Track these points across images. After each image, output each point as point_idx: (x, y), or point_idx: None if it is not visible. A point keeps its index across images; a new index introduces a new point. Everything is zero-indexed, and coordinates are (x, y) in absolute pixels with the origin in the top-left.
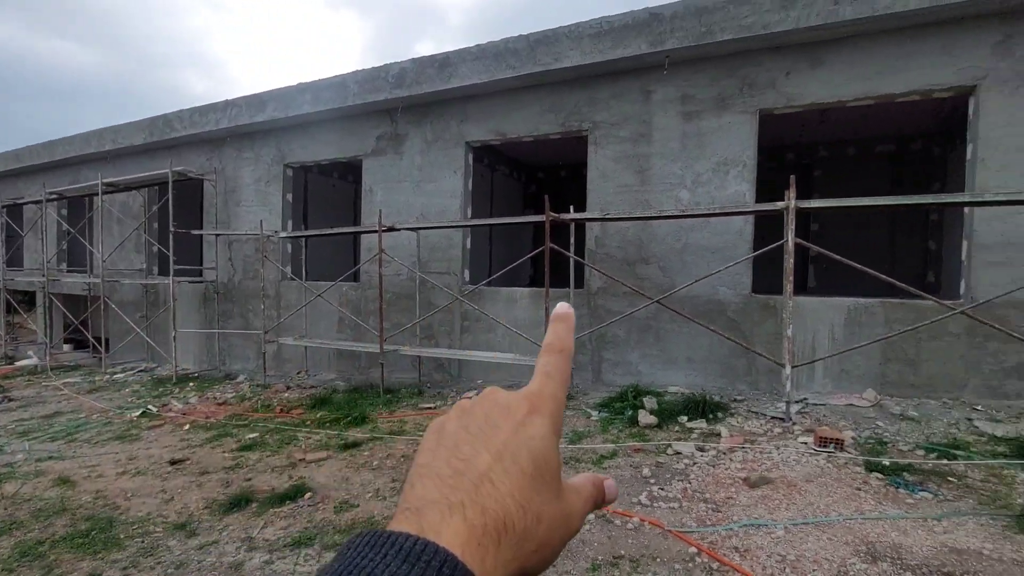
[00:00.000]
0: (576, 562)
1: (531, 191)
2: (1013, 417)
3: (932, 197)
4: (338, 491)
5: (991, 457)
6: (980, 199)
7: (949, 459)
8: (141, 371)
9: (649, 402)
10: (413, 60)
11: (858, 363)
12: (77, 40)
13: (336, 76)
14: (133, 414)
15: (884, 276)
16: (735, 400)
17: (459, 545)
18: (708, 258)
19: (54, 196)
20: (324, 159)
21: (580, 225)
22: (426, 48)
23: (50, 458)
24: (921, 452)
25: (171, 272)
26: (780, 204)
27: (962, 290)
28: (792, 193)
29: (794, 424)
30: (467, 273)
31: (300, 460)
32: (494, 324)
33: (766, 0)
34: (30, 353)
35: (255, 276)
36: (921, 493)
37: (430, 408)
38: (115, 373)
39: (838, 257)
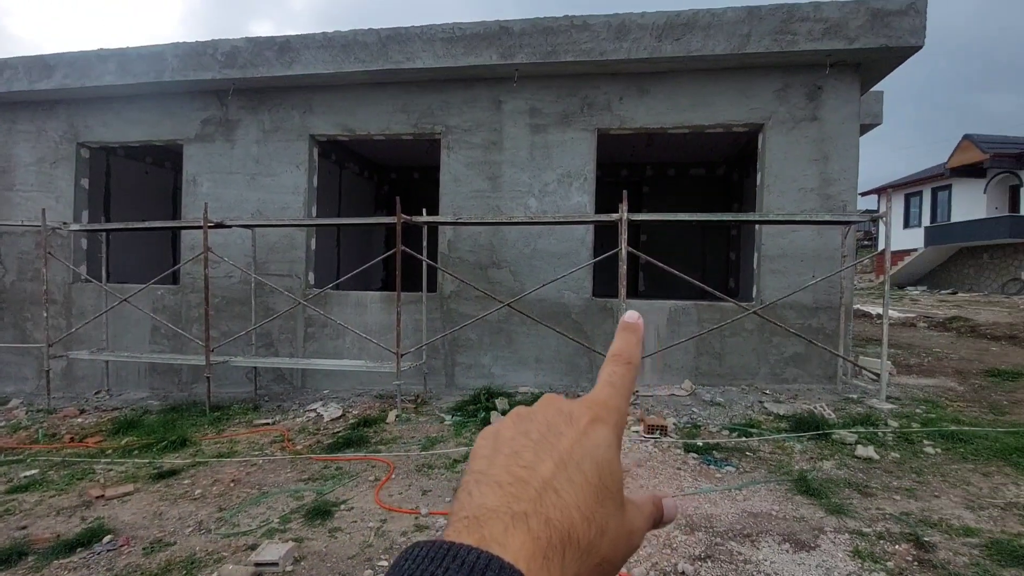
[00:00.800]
0: None
1: (383, 192)
2: (791, 398)
3: (732, 215)
4: (148, 529)
5: (776, 432)
6: (766, 218)
7: (747, 436)
8: None
9: (501, 403)
10: (248, 39)
11: (678, 357)
12: None
13: (151, 46)
14: None
15: (697, 282)
16: (579, 395)
17: (524, 559)
18: (554, 263)
19: None
20: (133, 140)
21: (433, 229)
22: (264, 30)
23: None
24: (726, 432)
25: None
26: (615, 215)
27: (754, 294)
28: (624, 206)
29: (628, 415)
30: (311, 276)
31: (98, 497)
32: (342, 330)
33: (603, 29)
34: None
35: (35, 277)
36: (726, 468)
37: (267, 424)
38: None
39: (661, 264)
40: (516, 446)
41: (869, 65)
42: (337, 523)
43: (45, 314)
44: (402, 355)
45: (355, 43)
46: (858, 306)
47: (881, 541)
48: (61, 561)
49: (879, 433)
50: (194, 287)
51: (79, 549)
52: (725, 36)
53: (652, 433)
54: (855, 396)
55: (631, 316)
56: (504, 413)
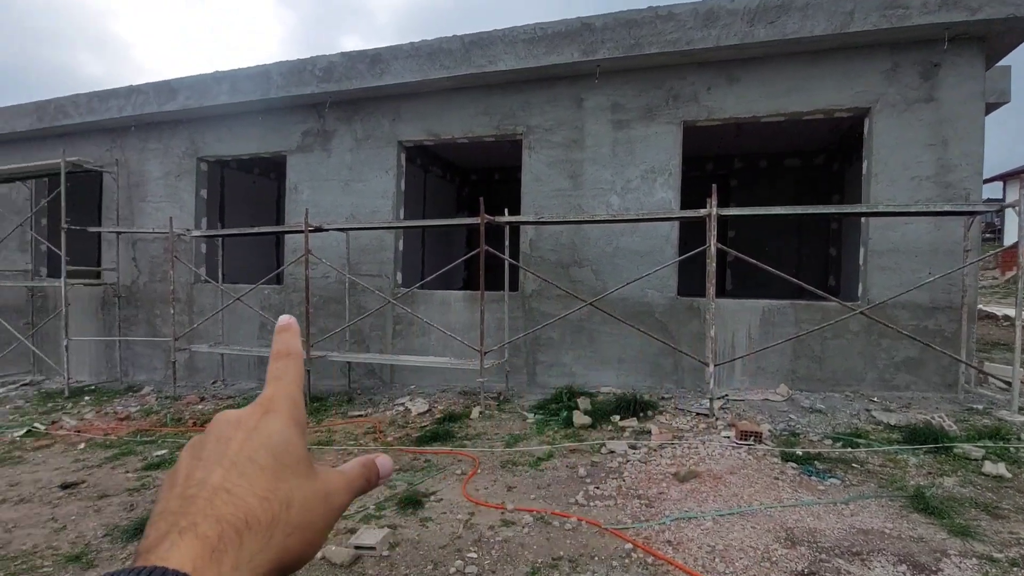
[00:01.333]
0: (516, 567)
1: (464, 194)
2: (903, 407)
3: (834, 208)
4: None
5: (887, 444)
6: (874, 210)
7: (852, 447)
8: (25, 385)
9: (583, 403)
10: (343, 54)
11: (772, 360)
12: None
13: (258, 66)
14: (15, 433)
15: (793, 279)
16: (663, 398)
17: (190, 560)
18: (637, 262)
19: None
20: (243, 154)
21: (515, 228)
22: (352, 44)
23: None
24: (828, 442)
25: (63, 274)
26: (703, 211)
27: (859, 292)
28: (713, 201)
29: (717, 420)
30: (399, 276)
31: None
32: (427, 328)
33: (689, 18)
34: None
35: (163, 278)
36: (830, 480)
37: (360, 415)
38: None
39: (754, 261)
40: (188, 471)
41: (995, 37)
42: (427, 513)
43: (172, 311)
44: (485, 353)
45: (440, 51)
46: (980, 307)
47: (1015, 569)
48: None
49: (1011, 449)
50: (295, 287)
51: None
52: (825, 15)
53: (745, 439)
54: (980, 407)
55: (284, 319)
56: (587, 413)
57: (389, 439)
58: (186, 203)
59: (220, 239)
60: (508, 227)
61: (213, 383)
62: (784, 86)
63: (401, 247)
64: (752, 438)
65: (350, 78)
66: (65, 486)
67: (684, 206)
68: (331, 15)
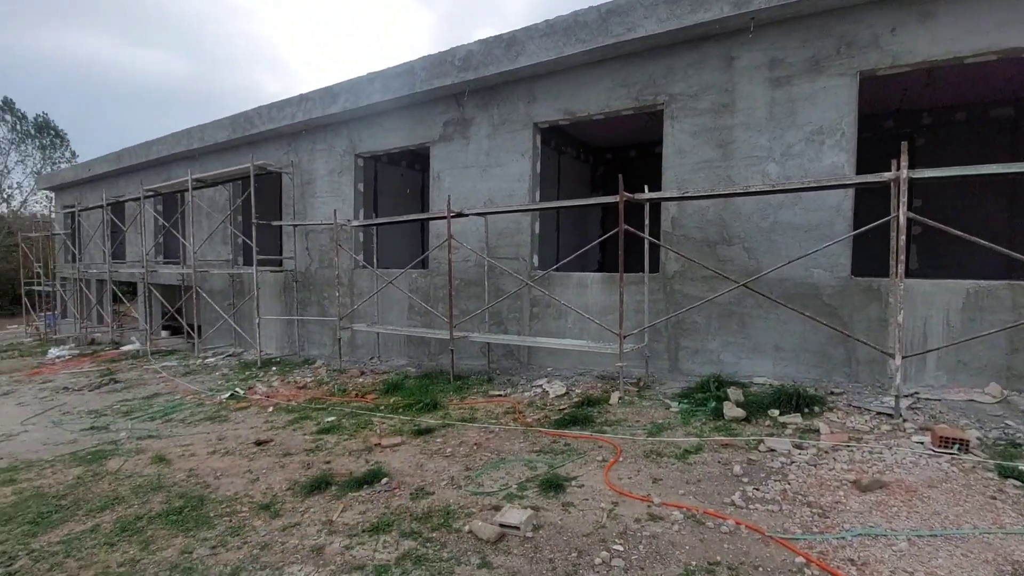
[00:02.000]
0: (667, 566)
1: (599, 174)
2: None
3: None
4: (413, 477)
5: None
6: None
7: None
8: (229, 356)
9: (734, 393)
10: (480, 41)
11: (979, 353)
12: (162, 48)
13: (404, 63)
14: (222, 396)
15: (1016, 254)
16: (832, 393)
17: None
18: (800, 237)
19: (150, 193)
20: (393, 148)
21: (656, 206)
22: (485, 36)
23: (149, 437)
24: None
25: (254, 262)
26: (888, 175)
27: None
28: (903, 162)
29: (905, 421)
30: (535, 258)
31: (376, 445)
32: (564, 310)
33: None
34: (133, 339)
35: (330, 265)
36: None
37: (500, 395)
38: (206, 358)
39: (960, 234)
40: None
41: None
42: (569, 498)
43: (337, 294)
44: (624, 337)
45: (575, 24)
46: None
47: None
48: (353, 494)
49: None
50: (439, 271)
51: (365, 486)
52: None
53: (946, 447)
54: None
55: None
56: (739, 405)
57: (528, 420)
58: (347, 196)
59: (375, 228)
60: (648, 205)
61: (371, 359)
62: (995, 18)
63: (537, 230)
64: (956, 446)
65: (487, 64)
66: (258, 443)
67: (859, 171)
68: (465, 12)
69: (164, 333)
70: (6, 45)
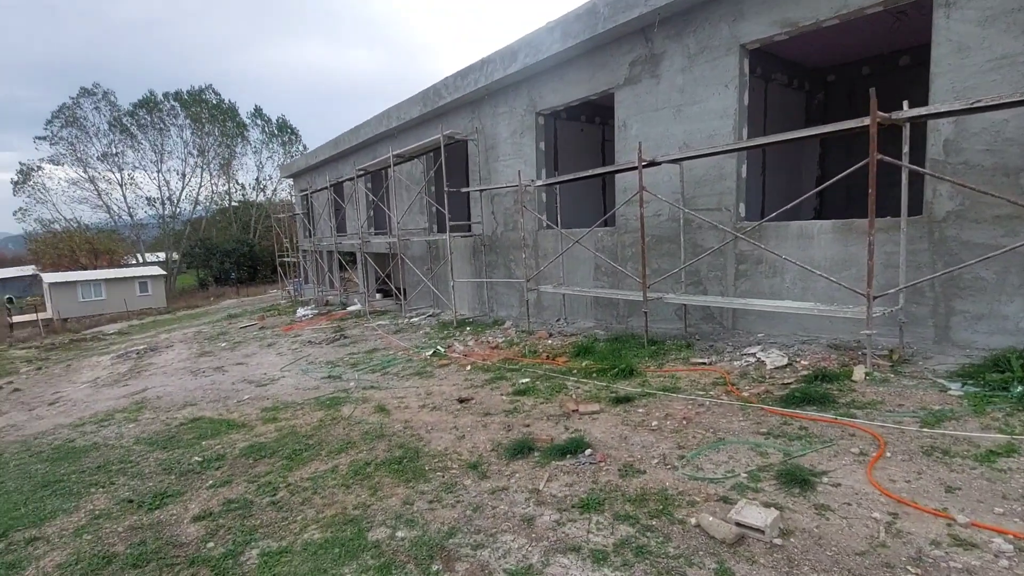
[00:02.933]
0: None
1: (816, 102)
2: None
3: None
4: (618, 451)
5: None
6: None
7: None
8: (430, 316)
9: None
10: None
11: None
12: (364, 47)
13: (584, 3)
14: (427, 353)
15: None
16: None
17: None
18: None
19: (361, 172)
20: (574, 100)
21: (917, 131)
22: None
23: (372, 387)
24: None
25: (447, 229)
26: None
27: None
28: None
29: None
30: (742, 208)
31: (573, 411)
32: (780, 267)
33: None
34: (355, 300)
35: (515, 227)
36: None
37: (703, 363)
38: (411, 317)
39: None
40: None
41: None
42: (822, 499)
43: (524, 256)
44: (875, 298)
45: None
46: None
47: None
48: (557, 463)
49: None
50: (627, 227)
51: (568, 455)
52: None
53: None
54: None
55: None
56: None
57: (745, 394)
58: (528, 157)
59: (557, 187)
60: (908, 128)
61: (557, 320)
62: None
63: (744, 173)
64: None
65: None
66: (461, 400)
67: None
68: None
69: (378, 296)
70: (248, 61)
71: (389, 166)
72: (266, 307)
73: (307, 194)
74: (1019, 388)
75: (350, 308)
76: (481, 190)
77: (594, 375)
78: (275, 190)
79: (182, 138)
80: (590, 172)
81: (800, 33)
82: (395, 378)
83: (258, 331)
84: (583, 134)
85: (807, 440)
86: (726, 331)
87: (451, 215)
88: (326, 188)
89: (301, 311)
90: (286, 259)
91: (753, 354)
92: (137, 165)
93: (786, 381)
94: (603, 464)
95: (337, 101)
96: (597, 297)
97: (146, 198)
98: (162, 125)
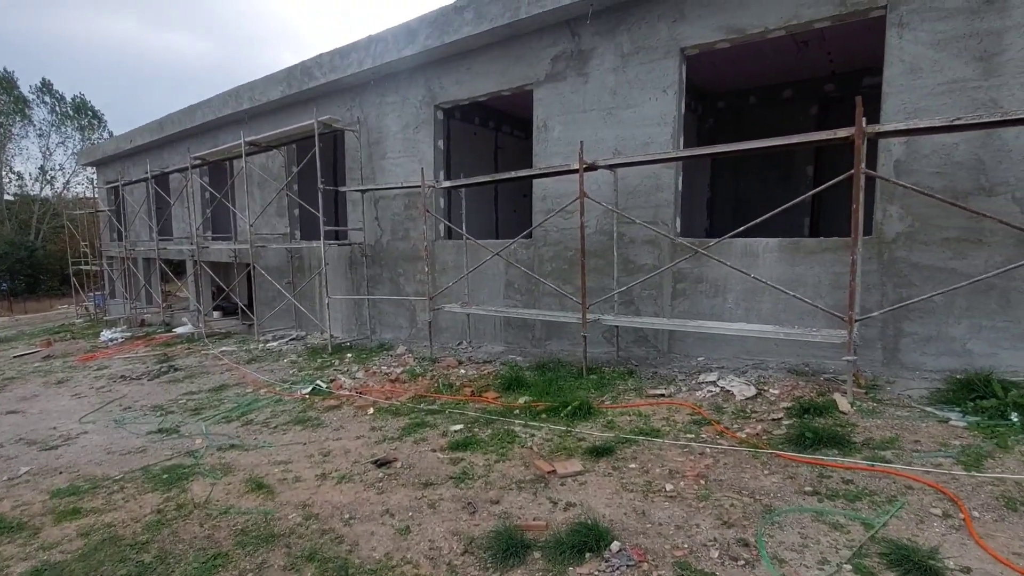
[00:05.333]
0: None
1: (707, 126)
2: None
3: None
4: (650, 538)
5: None
6: None
7: None
8: (293, 340)
9: None
10: None
11: None
12: (188, 31)
13: None
14: (303, 390)
15: None
16: None
17: None
18: None
19: (198, 162)
20: (482, 94)
21: (869, 149)
22: None
23: (232, 447)
24: None
25: (322, 235)
26: None
27: None
28: None
29: None
30: (678, 222)
31: (548, 473)
32: (723, 285)
33: None
34: (184, 320)
35: (404, 236)
36: None
37: (661, 395)
38: (267, 342)
39: None
40: None
41: None
42: None
43: (427, 269)
44: (854, 320)
45: None
46: None
47: None
48: (577, 570)
49: None
50: (546, 240)
51: (587, 553)
52: None
53: None
54: None
55: None
56: None
57: (742, 436)
58: (424, 155)
59: (463, 192)
60: (865, 143)
61: (459, 344)
62: None
63: (680, 186)
64: None
65: None
66: (379, 463)
67: None
68: None
69: (216, 314)
70: (40, 30)
71: (240, 156)
72: (53, 328)
73: (117, 187)
74: (1015, 415)
75: (178, 330)
76: (364, 190)
77: (543, 416)
78: (67, 183)
79: None
80: (511, 175)
81: (746, 41)
82: (265, 430)
83: (41, 361)
84: (476, 138)
85: (868, 499)
86: (661, 355)
87: (316, 220)
88: (145, 180)
89: (107, 334)
90: (84, 267)
91: (713, 382)
92: None
93: (774, 416)
94: (646, 566)
95: (151, 87)
96: (508, 318)
97: None
98: None
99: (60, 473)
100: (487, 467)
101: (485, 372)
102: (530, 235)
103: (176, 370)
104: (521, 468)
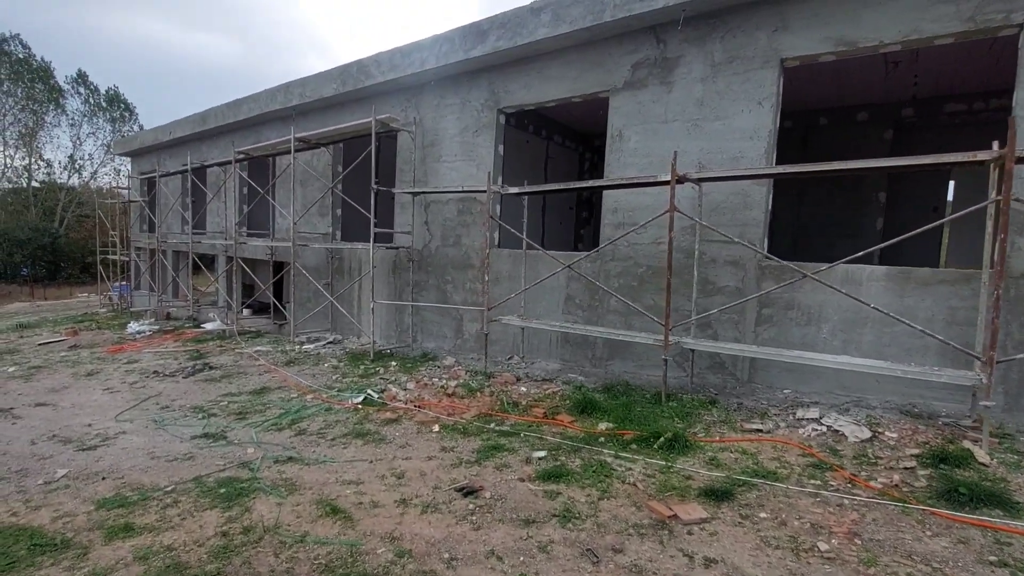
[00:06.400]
0: None
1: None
2: None
3: None
4: None
5: None
6: None
7: None
8: (330, 343)
9: None
10: None
11: None
12: (220, 32)
13: None
14: (353, 399)
15: None
16: None
17: None
18: None
19: (242, 156)
20: (551, 100)
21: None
22: None
23: (289, 459)
24: None
25: (372, 237)
26: None
27: None
28: None
29: None
30: (766, 243)
31: (669, 517)
32: (818, 314)
33: None
34: (212, 316)
35: (456, 243)
36: None
37: (758, 431)
38: (303, 343)
39: None
40: None
41: None
42: None
43: (486, 278)
44: (993, 362)
45: None
46: None
47: None
48: None
49: None
50: (615, 255)
51: None
52: None
53: None
54: None
55: None
56: None
57: (876, 485)
58: (483, 160)
59: (525, 200)
60: (995, 172)
61: (508, 358)
62: None
63: (769, 205)
64: None
65: None
66: (465, 492)
67: None
68: None
69: (246, 312)
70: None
71: (285, 152)
72: (77, 316)
73: (151, 178)
74: None
75: (207, 326)
76: (424, 192)
77: (633, 447)
78: (95, 173)
79: None
80: (592, 183)
81: (857, 55)
82: (322, 442)
83: (68, 351)
84: (528, 146)
85: None
86: (741, 384)
87: (362, 222)
88: (184, 172)
89: (134, 325)
90: (111, 256)
91: (816, 419)
92: None
93: (905, 464)
94: None
95: (182, 86)
96: (566, 335)
97: None
98: None
99: (103, 479)
100: (591, 504)
101: (548, 391)
102: (596, 248)
103: (211, 368)
104: (631, 508)
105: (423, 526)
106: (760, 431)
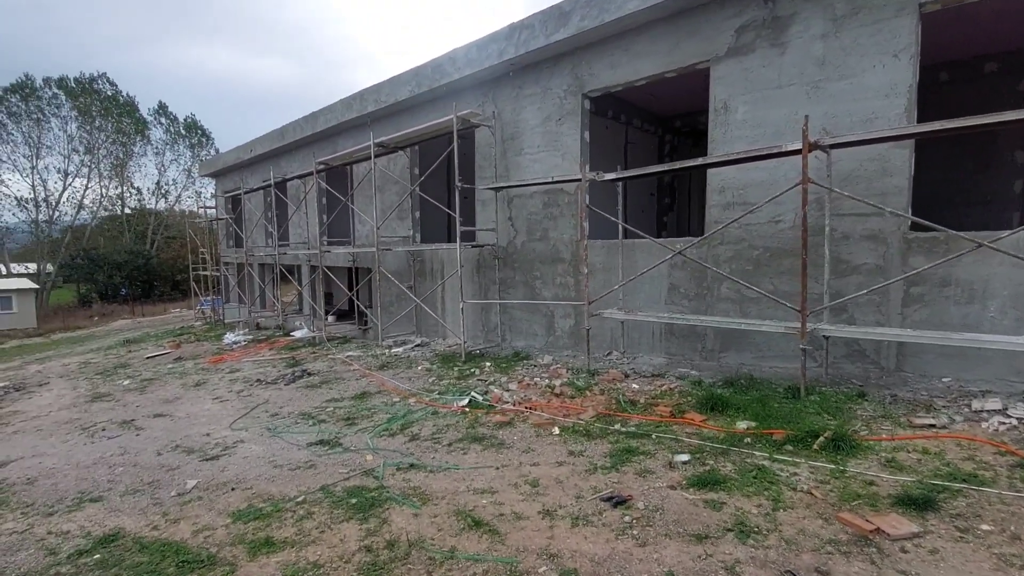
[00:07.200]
0: None
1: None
2: None
3: None
4: None
5: None
6: None
7: None
8: (418, 346)
9: None
10: None
11: None
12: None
13: None
14: (459, 403)
15: None
16: None
17: None
18: None
19: (322, 166)
20: (641, 77)
21: None
22: None
23: (411, 467)
24: None
25: (458, 236)
26: None
27: None
28: None
29: None
30: (909, 213)
31: (871, 532)
32: (980, 291)
33: None
34: (299, 324)
35: (543, 237)
36: None
37: (931, 426)
38: (391, 347)
39: None
40: None
41: None
42: None
43: (586, 271)
44: None
45: None
46: None
47: None
48: None
49: None
50: (724, 238)
51: None
52: None
53: None
54: None
55: None
56: None
57: None
58: (569, 149)
59: (619, 187)
60: None
61: (607, 354)
62: None
63: (912, 170)
64: None
65: None
66: (614, 502)
67: None
68: None
69: (330, 319)
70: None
71: (363, 159)
72: (175, 330)
73: (238, 195)
74: None
75: (295, 334)
76: (509, 187)
77: (788, 447)
78: (179, 197)
79: (66, 132)
80: (702, 161)
81: None
82: (439, 447)
83: (174, 363)
84: (607, 132)
85: None
86: (887, 373)
87: (440, 221)
88: (268, 186)
89: (231, 336)
90: (203, 273)
91: (999, 411)
92: (5, 159)
93: None
94: None
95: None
96: (671, 326)
97: (15, 198)
98: (40, 115)
99: (232, 490)
100: (766, 517)
101: (663, 388)
102: (702, 233)
103: (309, 375)
104: (818, 521)
105: (579, 541)
106: (934, 426)
